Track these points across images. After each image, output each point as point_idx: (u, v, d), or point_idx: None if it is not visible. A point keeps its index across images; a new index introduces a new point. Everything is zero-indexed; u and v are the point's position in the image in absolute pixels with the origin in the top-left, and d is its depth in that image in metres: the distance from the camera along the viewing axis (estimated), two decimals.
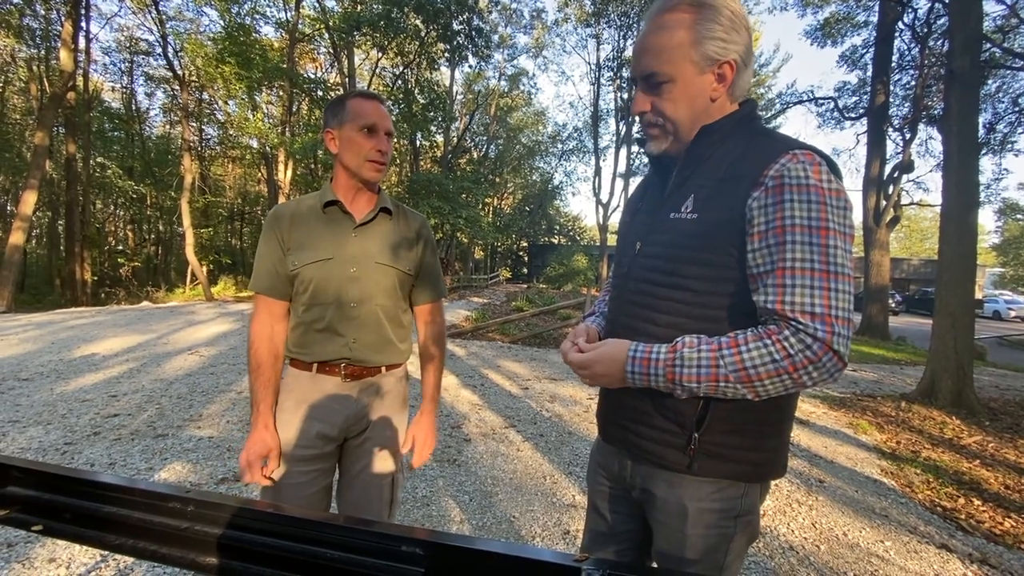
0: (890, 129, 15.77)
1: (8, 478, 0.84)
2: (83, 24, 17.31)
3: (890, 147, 15.78)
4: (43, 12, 17.86)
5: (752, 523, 0.90)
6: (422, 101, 20.57)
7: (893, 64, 15.25)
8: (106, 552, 2.05)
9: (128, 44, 22.90)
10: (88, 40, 18.92)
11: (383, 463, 1.37)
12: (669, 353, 0.80)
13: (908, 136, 16.05)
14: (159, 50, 19.42)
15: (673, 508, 0.89)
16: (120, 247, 25.46)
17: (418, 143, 25.07)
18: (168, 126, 27.96)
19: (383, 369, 1.37)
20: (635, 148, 31.90)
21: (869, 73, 16.34)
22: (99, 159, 21.40)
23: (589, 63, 28.61)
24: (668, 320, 0.86)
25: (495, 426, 4.00)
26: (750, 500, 0.89)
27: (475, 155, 32.78)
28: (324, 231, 1.32)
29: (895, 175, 15.29)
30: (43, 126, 14.70)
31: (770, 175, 0.77)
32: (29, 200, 13.94)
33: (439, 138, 27.30)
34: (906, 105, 16.97)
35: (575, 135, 35.02)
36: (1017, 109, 15.19)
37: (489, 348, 7.99)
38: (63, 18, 16.09)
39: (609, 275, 1.16)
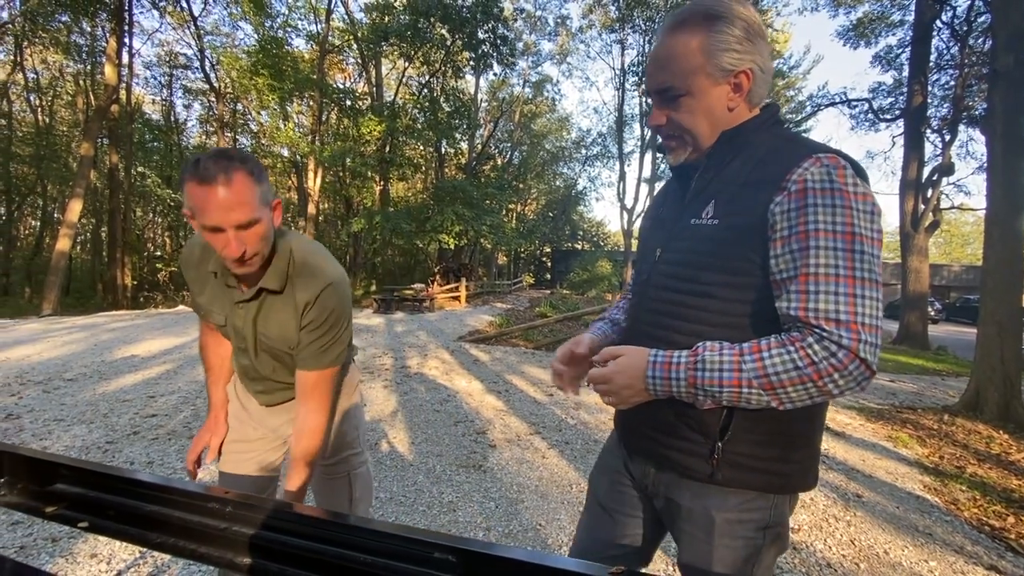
0: (928, 131, 15.22)
1: (56, 475, 0.88)
2: (126, 40, 18.11)
3: (928, 149, 15.22)
4: (89, 29, 18.77)
5: (781, 535, 0.88)
6: (447, 109, 20.82)
7: (931, 64, 14.74)
8: (146, 549, 2.11)
9: (168, 58, 23.90)
10: (131, 55, 19.78)
11: (333, 464, 1.42)
12: (690, 357, 0.79)
13: (948, 138, 15.46)
14: (197, 64, 20.21)
15: (699, 519, 0.88)
16: (158, 253, 26.42)
17: (443, 150, 25.36)
18: (204, 136, 28.97)
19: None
20: (661, 153, 31.64)
21: (905, 73, 15.82)
22: (140, 168, 22.29)
23: (614, 68, 28.52)
24: (689, 328, 0.85)
25: (520, 432, 3.98)
26: (779, 511, 0.87)
27: (499, 161, 32.96)
28: (216, 294, 1.22)
29: (934, 178, 14.70)
30: (88, 137, 15.41)
31: (793, 179, 0.76)
32: (75, 208, 14.61)
33: (464, 145, 27.55)
34: (945, 106, 16.38)
35: (599, 140, 34.91)
36: None
37: (513, 354, 7.98)
38: (108, 35, 16.90)
39: (629, 282, 1.16)
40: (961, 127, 15.42)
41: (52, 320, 9.95)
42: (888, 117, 17.65)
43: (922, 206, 14.18)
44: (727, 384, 0.75)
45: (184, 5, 18.11)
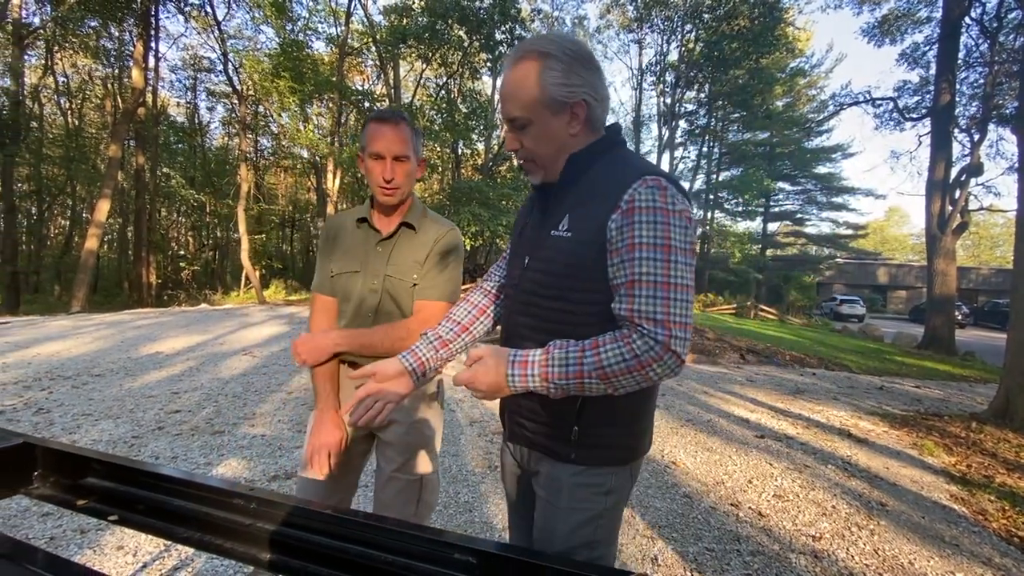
0: (956, 130, 14.82)
1: (88, 469, 0.90)
2: (153, 44, 18.58)
3: (956, 149, 14.84)
4: (117, 34, 19.28)
5: (621, 500, 1.05)
6: (464, 110, 20.89)
7: (959, 61, 14.35)
8: (170, 542, 2.16)
9: (192, 62, 24.44)
10: (157, 59, 20.27)
11: (410, 464, 1.42)
12: (543, 355, 0.88)
13: (977, 137, 15.01)
14: (220, 67, 20.57)
15: (553, 483, 1.02)
16: (182, 252, 27.01)
17: (460, 151, 25.45)
18: (226, 138, 29.56)
19: None
20: (679, 152, 31.29)
21: (932, 71, 15.42)
22: (164, 169, 22.82)
23: (631, 68, 28.39)
24: (549, 327, 0.97)
25: None
26: (621, 478, 1.03)
27: (515, 162, 32.92)
28: (356, 244, 1.45)
29: (962, 178, 14.30)
30: (116, 139, 15.83)
31: (625, 199, 0.89)
32: (103, 208, 15.02)
33: (480, 146, 27.62)
34: (974, 104, 15.92)
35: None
36: None
37: None
38: (135, 39, 17.34)
39: (495, 274, 1.27)
40: (991, 126, 14.95)
41: (81, 317, 10.24)
42: (914, 116, 17.22)
43: (949, 207, 13.80)
44: (572, 377, 0.85)
45: (208, 10, 18.47)
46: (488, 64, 21.60)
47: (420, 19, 18.50)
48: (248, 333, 8.35)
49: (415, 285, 1.42)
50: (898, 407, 5.82)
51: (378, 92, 22.51)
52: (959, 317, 19.70)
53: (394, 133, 1.34)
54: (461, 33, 19.23)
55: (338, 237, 1.47)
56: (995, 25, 13.34)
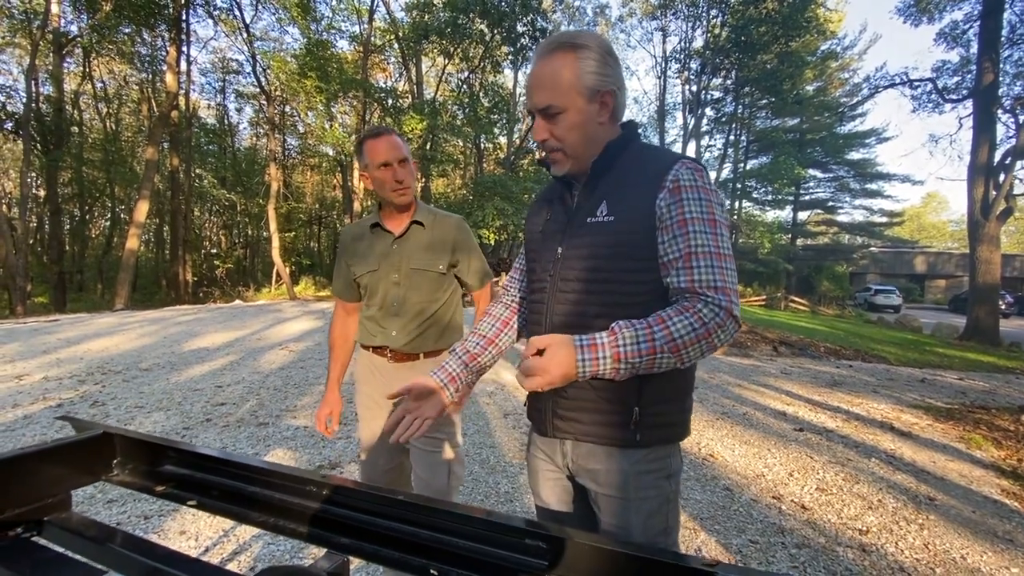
0: (1000, 111, 14.12)
1: (165, 457, 0.96)
2: (184, 48, 19.09)
3: (1000, 131, 14.15)
4: (150, 39, 19.87)
5: (679, 483, 1.07)
6: (486, 104, 20.88)
7: (1003, 39, 13.65)
8: (228, 527, 2.26)
9: (221, 64, 25.03)
10: (189, 63, 20.85)
11: (437, 439, 1.61)
12: (610, 336, 0.88)
13: (1022, 119, 14.28)
14: (248, 68, 21.02)
15: (615, 478, 1.01)
16: (215, 250, 27.81)
17: (482, 145, 25.47)
18: (255, 138, 30.22)
19: (421, 356, 1.64)
20: (704, 141, 30.67)
21: (973, 51, 14.72)
22: (197, 170, 23.49)
23: (655, 56, 27.88)
24: (601, 311, 0.99)
25: None
26: (677, 459, 1.06)
27: (537, 155, 32.77)
28: (373, 247, 1.66)
29: (1007, 161, 13.64)
30: (152, 142, 16.37)
31: (669, 179, 0.95)
32: (142, 209, 15.57)
33: (502, 140, 27.58)
34: (1018, 84, 15.16)
35: (640, 130, 34.18)
36: None
37: None
38: (168, 44, 17.84)
39: (513, 283, 1.28)
40: None
41: (124, 314, 10.67)
42: (954, 98, 16.49)
43: (993, 192, 13.20)
44: (645, 354, 0.86)
45: (236, 13, 18.88)
46: (510, 57, 21.50)
47: (441, 14, 18.53)
48: (283, 328, 8.58)
49: (443, 273, 1.65)
50: (941, 400, 5.63)
51: (401, 89, 22.68)
52: (1002, 307, 18.82)
53: (392, 142, 1.56)
54: (483, 27, 19.20)
55: (355, 244, 1.69)
56: None
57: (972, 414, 5.04)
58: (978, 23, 13.93)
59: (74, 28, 17.22)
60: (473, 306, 1.82)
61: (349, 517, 0.83)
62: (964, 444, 4.03)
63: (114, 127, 24.48)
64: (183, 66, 19.40)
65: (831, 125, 29.73)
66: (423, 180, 21.01)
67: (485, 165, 27.49)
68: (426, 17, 18.78)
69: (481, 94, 21.22)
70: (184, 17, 17.99)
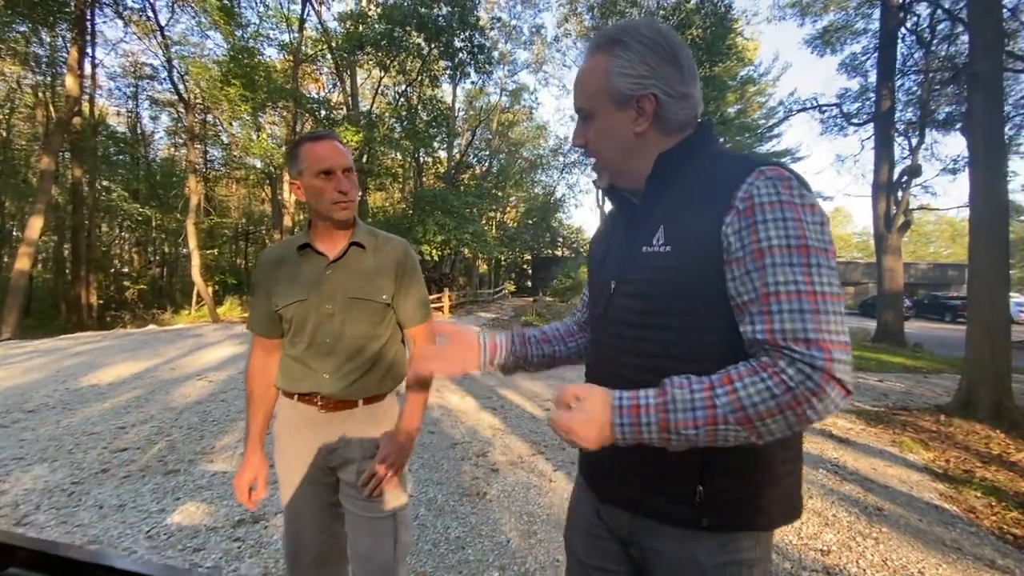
0: (896, 134, 15.64)
1: (11, 559, 0.69)
2: (88, 50, 17.47)
3: (896, 151, 15.64)
4: (49, 39, 18.04)
5: (767, 569, 0.86)
6: (425, 117, 20.63)
7: (897, 69, 15.19)
8: None
9: (133, 69, 23.16)
10: (94, 66, 19.08)
11: (377, 501, 1.34)
12: (659, 397, 0.70)
13: (915, 141, 15.93)
14: (164, 74, 19.55)
15: (687, 568, 0.82)
16: (126, 270, 25.46)
17: (421, 159, 25.12)
18: (173, 148, 28.16)
19: (359, 403, 1.38)
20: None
21: (871, 79, 16.27)
22: (104, 182, 21.46)
23: None
24: (653, 364, 0.80)
25: (522, 453, 3.79)
26: (765, 547, 0.85)
27: (478, 170, 32.83)
28: (300, 273, 1.37)
29: (903, 180, 15.11)
30: (49, 151, 14.75)
31: (740, 196, 0.74)
32: (35, 225, 13.93)
33: (442, 154, 27.37)
34: (910, 109, 16.88)
35: (577, 147, 35.10)
36: (1022, 111, 15.02)
37: None
38: (69, 45, 16.25)
39: (582, 303, 1.14)
40: (928, 130, 15.87)
41: (11, 345, 9.38)
42: (857, 122, 18.11)
43: (894, 208, 14.53)
44: (702, 424, 0.67)
45: (150, 15, 17.56)
46: (448, 72, 21.43)
47: (377, 26, 18.16)
48: (202, 355, 7.81)
49: (388, 304, 1.40)
50: (868, 402, 5.94)
51: (335, 100, 21.96)
52: (904, 311, 20.73)
53: (336, 148, 1.33)
54: (420, 40, 19.01)
55: (278, 269, 1.40)
56: (929, 35, 14.18)
57: (897, 416, 5.33)
58: (875, 55, 15.38)
59: None
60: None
61: None
62: (897, 448, 4.21)
63: (4, 134, 21.95)
64: (87, 69, 17.74)
65: (752, 145, 31.87)
66: (359, 194, 20.37)
67: (425, 179, 27.13)
68: (361, 28, 18.33)
69: (420, 107, 20.95)
70: (89, 16, 16.50)
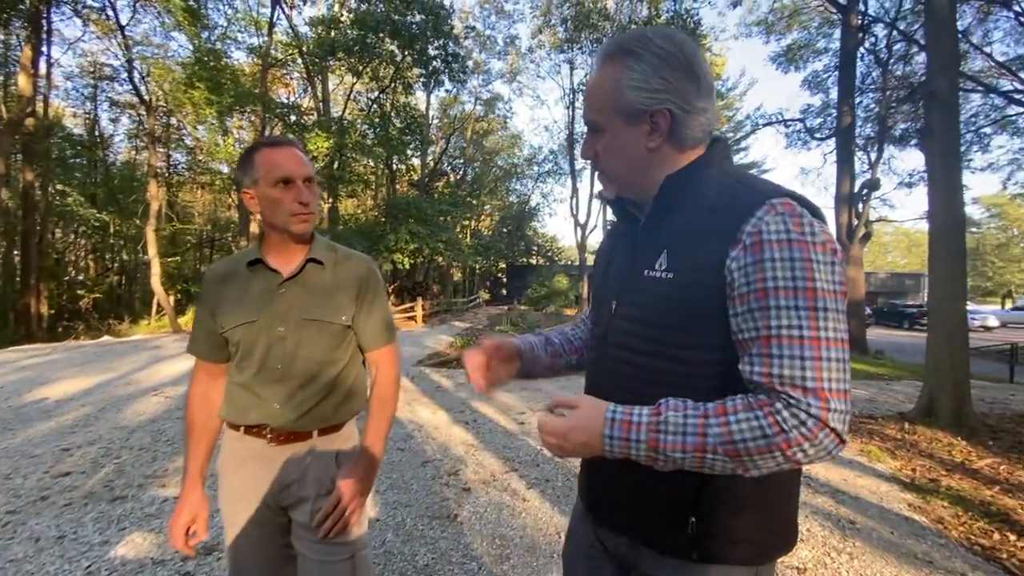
0: (856, 149, 16.26)
1: None
2: (44, 49, 16.72)
3: (857, 165, 16.27)
4: (2, 37, 17.20)
5: None
6: (398, 124, 20.45)
7: (857, 87, 15.82)
8: None
9: (92, 69, 22.26)
10: (49, 65, 18.27)
11: (334, 543, 1.22)
12: (652, 416, 0.70)
13: (874, 156, 16.61)
14: (124, 75, 18.83)
15: None
16: (80, 278, 24.30)
17: (395, 167, 24.87)
18: (134, 152, 27.13)
19: (314, 434, 1.25)
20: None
21: (833, 96, 16.93)
22: (59, 186, 20.48)
23: (563, 87, 29.05)
24: (651, 391, 0.77)
25: (495, 471, 3.68)
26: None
27: (452, 178, 32.72)
28: (249, 291, 1.25)
29: (864, 193, 15.72)
30: None
31: (748, 231, 0.71)
32: None
33: (416, 161, 27.16)
34: (868, 126, 17.60)
35: (551, 157, 35.38)
36: (972, 128, 15.83)
37: None
38: (22, 43, 15.52)
39: (585, 313, 1.14)
40: (886, 145, 16.56)
41: None
42: (820, 136, 18.77)
43: (855, 219, 15.07)
44: (690, 448, 0.67)
45: (110, 14, 16.90)
46: (422, 79, 21.32)
47: (349, 32, 17.94)
48: (159, 369, 7.44)
49: (348, 326, 1.28)
50: None
51: (306, 105, 21.56)
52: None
53: (297, 155, 1.22)
54: (393, 47, 18.87)
55: (225, 287, 1.27)
56: (886, 55, 14.81)
57: (864, 425, 5.43)
58: (836, 73, 15.99)
59: None
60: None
61: None
62: (866, 457, 4.26)
63: None
64: (42, 68, 16.96)
65: None
66: (330, 201, 20.01)
67: (398, 187, 26.86)
68: (332, 33, 18.07)
69: (393, 114, 20.76)
70: (45, 14, 15.80)
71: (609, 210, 1.02)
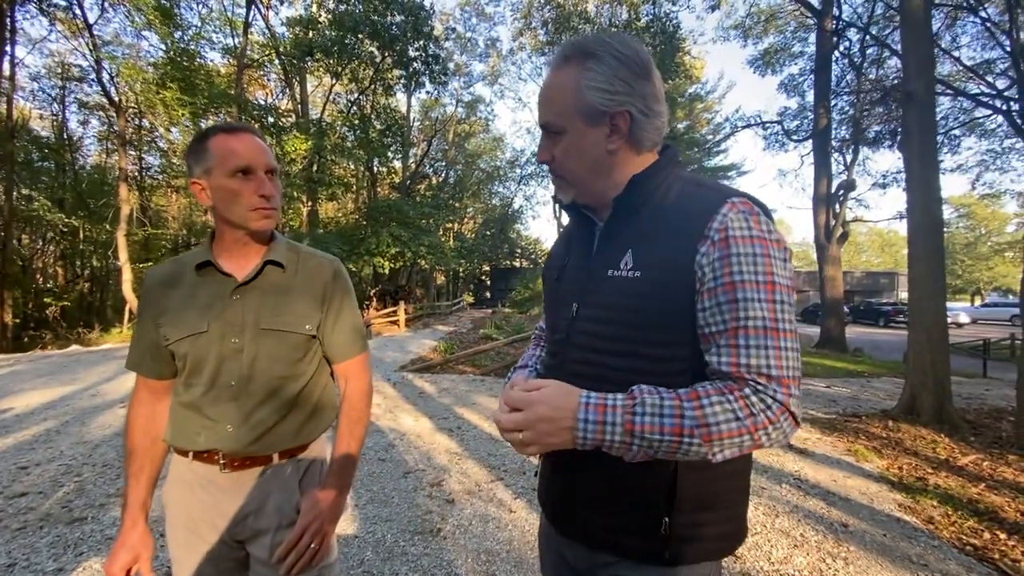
0: (833, 151, 16.56)
1: None
2: (7, 49, 16.10)
3: (834, 167, 16.56)
4: None
5: None
6: (379, 127, 20.21)
7: (832, 90, 16.12)
8: None
9: (59, 70, 21.56)
10: (13, 65, 17.59)
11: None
12: (628, 400, 0.70)
13: (850, 157, 16.94)
14: (93, 76, 18.24)
15: None
16: (49, 285, 23.45)
17: (375, 169, 24.58)
18: (104, 155, 26.35)
19: (274, 457, 1.12)
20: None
21: (809, 98, 17.24)
22: (24, 191, 19.75)
23: None
24: (619, 391, 0.75)
25: (480, 480, 3.56)
26: (717, 571, 0.85)
27: (435, 181, 32.51)
28: (197, 297, 1.10)
29: (840, 193, 16.01)
30: None
31: (714, 227, 0.74)
32: None
33: (397, 164, 26.89)
34: (843, 128, 17.94)
35: (533, 160, 35.44)
36: (942, 131, 16.24)
37: (461, 382, 7.52)
38: None
39: (540, 328, 1.13)
40: (861, 147, 16.91)
41: None
42: (797, 138, 19.09)
43: (832, 220, 15.33)
44: (667, 431, 0.67)
45: (77, 12, 16.35)
46: (402, 81, 21.11)
47: (328, 32, 17.66)
48: (129, 379, 7.08)
49: (313, 336, 1.15)
50: (820, 410, 6.06)
51: (283, 107, 21.19)
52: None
53: (257, 143, 1.08)
54: (373, 49, 18.66)
55: (168, 293, 1.11)
56: (860, 59, 15.12)
57: (849, 423, 5.44)
58: (811, 76, 16.28)
59: None
60: (372, 338, 1.26)
61: None
62: (853, 457, 4.25)
63: None
64: (5, 68, 16.35)
65: (700, 159, 33.12)
66: (309, 204, 19.67)
67: (379, 189, 26.56)
68: (310, 34, 17.77)
69: (373, 116, 20.51)
70: (9, 12, 15.22)
71: (564, 214, 0.98)
